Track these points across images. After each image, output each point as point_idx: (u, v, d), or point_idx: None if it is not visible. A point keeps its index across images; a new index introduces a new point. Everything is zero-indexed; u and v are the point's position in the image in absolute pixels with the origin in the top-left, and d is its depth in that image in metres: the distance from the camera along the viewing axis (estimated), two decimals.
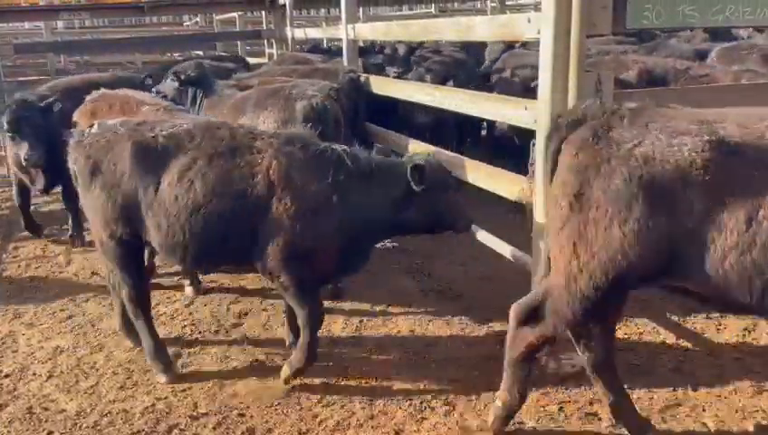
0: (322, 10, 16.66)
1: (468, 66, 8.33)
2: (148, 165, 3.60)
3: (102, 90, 5.58)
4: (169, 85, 5.91)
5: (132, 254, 3.90)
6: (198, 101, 5.70)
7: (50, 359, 4.25)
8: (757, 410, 3.45)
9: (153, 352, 3.96)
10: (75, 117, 5.38)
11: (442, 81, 6.82)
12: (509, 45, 8.58)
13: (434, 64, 7.76)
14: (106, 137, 3.76)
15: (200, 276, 5.25)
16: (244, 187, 3.49)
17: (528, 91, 5.31)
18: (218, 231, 3.53)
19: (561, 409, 3.49)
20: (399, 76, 7.31)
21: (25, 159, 5.64)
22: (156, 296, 5.17)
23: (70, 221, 6.48)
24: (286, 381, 3.76)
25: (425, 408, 3.57)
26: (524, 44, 8.19)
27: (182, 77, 5.83)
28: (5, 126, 5.70)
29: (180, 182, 3.53)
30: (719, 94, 4.18)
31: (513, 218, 5.06)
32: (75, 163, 3.82)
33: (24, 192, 6.49)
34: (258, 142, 3.60)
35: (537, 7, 7.18)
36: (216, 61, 9.05)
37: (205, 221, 3.51)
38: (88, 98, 5.50)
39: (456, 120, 6.78)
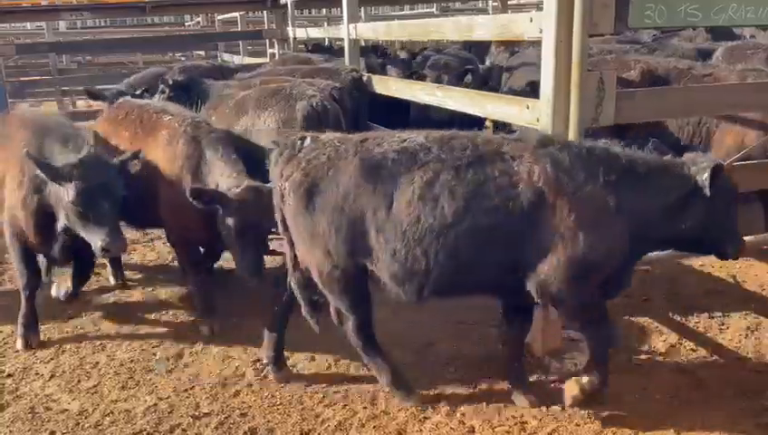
0: (324, 10, 16.64)
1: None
2: (378, 184, 3.16)
3: (126, 98, 5.36)
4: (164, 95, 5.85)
5: (358, 285, 3.41)
6: (197, 104, 5.68)
7: (52, 359, 4.25)
8: (764, 410, 3.45)
9: (392, 380, 3.61)
10: (97, 126, 5.14)
11: (460, 76, 6.84)
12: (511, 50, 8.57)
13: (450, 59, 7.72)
14: (326, 153, 3.33)
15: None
16: (502, 199, 3.02)
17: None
18: (472, 254, 3.09)
19: (563, 409, 3.48)
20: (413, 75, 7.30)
21: (105, 250, 3.87)
22: (157, 296, 5.19)
23: (112, 277, 5.45)
24: (575, 402, 3.38)
25: (426, 408, 3.56)
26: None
27: (170, 82, 5.81)
28: (73, 198, 3.81)
29: (422, 201, 3.07)
30: (720, 94, 4.18)
31: None
32: (287, 181, 3.36)
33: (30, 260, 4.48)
34: (507, 147, 3.16)
35: (539, 7, 7.17)
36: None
37: (455, 244, 3.05)
38: (115, 103, 5.28)
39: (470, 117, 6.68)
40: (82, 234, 3.89)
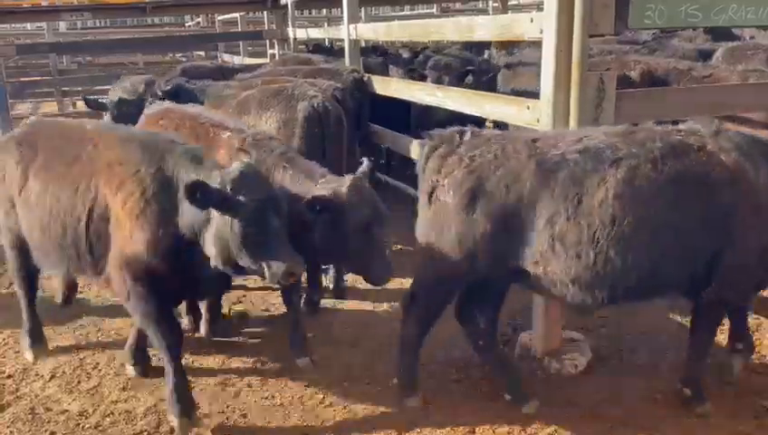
0: (324, 10, 16.65)
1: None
2: (558, 188, 3.00)
3: (167, 103, 4.81)
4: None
5: (498, 292, 3.46)
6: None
7: (52, 359, 4.25)
8: (764, 411, 3.44)
9: (511, 383, 3.58)
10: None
11: (460, 76, 6.84)
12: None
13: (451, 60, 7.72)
14: (491, 151, 3.16)
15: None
16: (702, 190, 2.94)
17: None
18: (675, 250, 2.99)
19: (564, 408, 3.48)
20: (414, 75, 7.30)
21: (290, 274, 3.11)
22: None
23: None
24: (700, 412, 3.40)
25: (426, 408, 3.56)
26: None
27: (159, 93, 5.66)
28: (247, 220, 3.05)
29: (619, 199, 2.91)
30: (720, 95, 4.18)
31: None
32: (446, 177, 3.19)
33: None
34: (693, 139, 3.05)
35: (539, 7, 7.17)
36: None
37: (658, 241, 2.96)
38: (147, 112, 4.75)
39: (473, 117, 6.67)
40: (251, 262, 3.06)
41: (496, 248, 3.14)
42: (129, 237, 3.25)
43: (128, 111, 5.84)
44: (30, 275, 4.12)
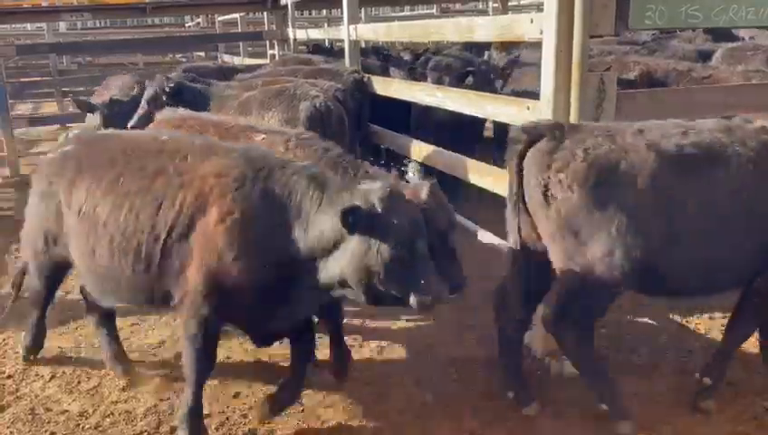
0: (324, 11, 16.66)
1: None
2: (681, 180, 2.98)
3: (180, 110, 4.61)
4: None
5: (627, 283, 3.16)
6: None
7: (52, 360, 4.25)
8: (764, 412, 3.44)
9: (612, 398, 3.38)
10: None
11: (461, 77, 6.85)
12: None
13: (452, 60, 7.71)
14: (602, 143, 3.05)
15: None
16: None
17: None
18: (756, 245, 3.07)
19: (564, 409, 3.48)
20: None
21: (437, 301, 2.84)
22: None
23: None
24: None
25: (427, 409, 3.56)
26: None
27: (166, 90, 5.49)
28: (399, 239, 2.77)
29: (737, 193, 2.99)
30: (721, 95, 4.18)
31: None
32: (561, 172, 3.03)
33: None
34: None
35: (539, 8, 7.18)
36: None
37: (753, 235, 3.05)
38: (160, 117, 4.51)
39: (473, 117, 6.67)
40: (396, 288, 2.80)
41: (631, 243, 3.00)
42: (219, 260, 2.90)
43: (120, 113, 5.82)
44: (51, 300, 3.99)
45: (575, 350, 3.31)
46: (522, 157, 3.20)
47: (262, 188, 2.94)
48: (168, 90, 5.45)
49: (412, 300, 2.77)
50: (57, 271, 3.74)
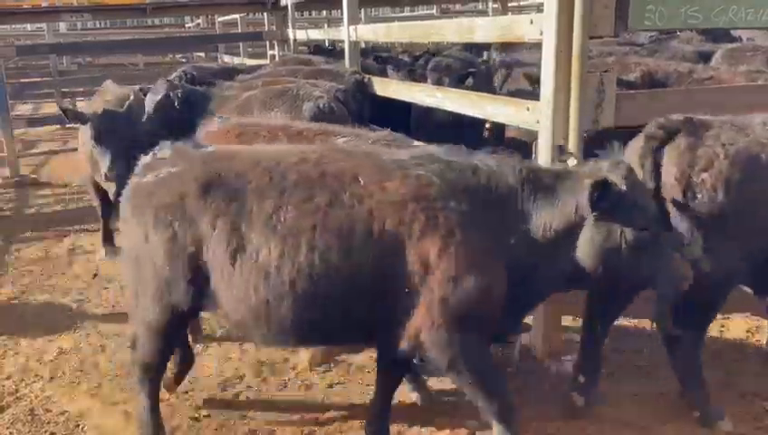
0: (324, 11, 16.68)
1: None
2: None
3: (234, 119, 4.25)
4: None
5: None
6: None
7: (52, 360, 4.25)
8: (764, 413, 3.44)
9: (705, 401, 3.36)
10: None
11: (461, 78, 6.84)
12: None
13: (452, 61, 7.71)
14: (739, 140, 2.97)
15: None
16: None
17: None
18: None
19: (564, 409, 3.48)
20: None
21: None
22: None
23: None
24: None
25: (427, 410, 3.56)
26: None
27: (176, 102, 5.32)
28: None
29: None
30: (721, 96, 4.18)
31: None
32: (705, 172, 2.94)
33: None
34: None
35: (539, 9, 7.17)
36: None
37: None
38: (211, 128, 4.11)
39: (473, 118, 6.61)
40: (639, 272, 2.74)
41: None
42: (457, 288, 2.60)
43: (114, 126, 5.10)
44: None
45: (688, 351, 3.28)
46: (657, 153, 3.10)
47: (467, 199, 2.66)
48: (178, 96, 5.29)
49: (661, 283, 2.68)
50: (179, 326, 3.13)
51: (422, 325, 2.66)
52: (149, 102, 5.38)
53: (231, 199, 2.73)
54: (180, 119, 5.11)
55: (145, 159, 3.04)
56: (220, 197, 2.74)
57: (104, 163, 5.08)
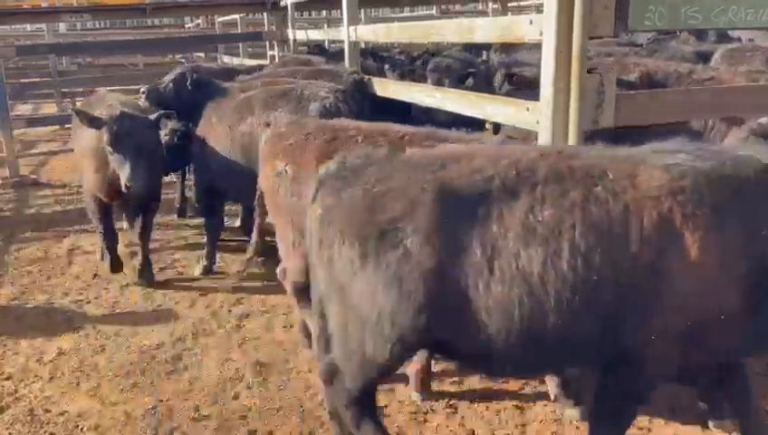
0: (324, 12, 16.69)
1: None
2: None
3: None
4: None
5: None
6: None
7: (51, 361, 4.24)
8: (765, 412, 3.43)
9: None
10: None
11: (461, 79, 6.83)
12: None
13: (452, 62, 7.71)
14: None
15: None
16: None
17: None
18: None
19: (564, 413, 3.48)
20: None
21: None
22: (156, 299, 5.19)
23: None
24: None
25: (427, 410, 3.56)
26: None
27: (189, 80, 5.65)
28: None
29: None
30: (721, 96, 4.18)
31: None
32: None
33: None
34: None
35: (539, 9, 7.17)
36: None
37: None
38: (275, 131, 3.92)
39: (473, 118, 6.61)
40: None
41: None
42: (714, 292, 2.35)
43: (132, 127, 4.77)
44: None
45: None
46: None
47: (732, 191, 2.37)
48: (192, 77, 5.53)
49: None
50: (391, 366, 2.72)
51: (650, 336, 2.36)
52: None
53: (462, 204, 2.44)
54: (189, 102, 5.49)
55: (338, 165, 2.70)
56: (449, 201, 2.45)
57: (124, 173, 4.67)
